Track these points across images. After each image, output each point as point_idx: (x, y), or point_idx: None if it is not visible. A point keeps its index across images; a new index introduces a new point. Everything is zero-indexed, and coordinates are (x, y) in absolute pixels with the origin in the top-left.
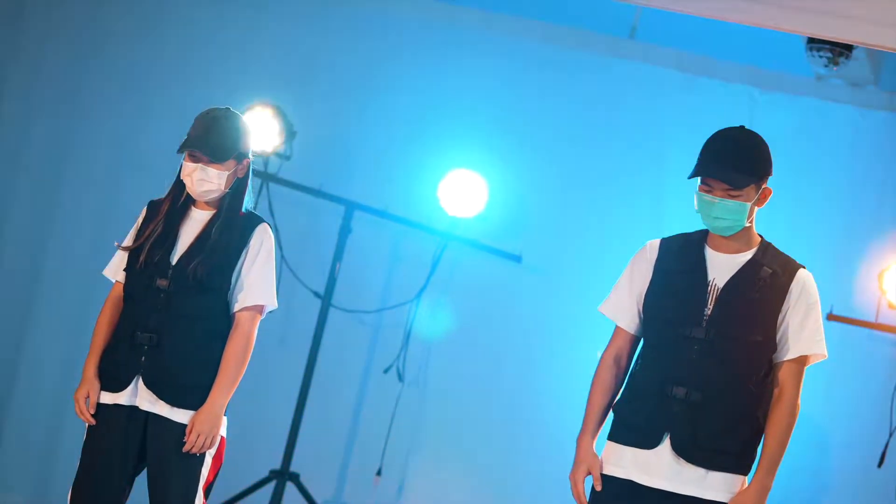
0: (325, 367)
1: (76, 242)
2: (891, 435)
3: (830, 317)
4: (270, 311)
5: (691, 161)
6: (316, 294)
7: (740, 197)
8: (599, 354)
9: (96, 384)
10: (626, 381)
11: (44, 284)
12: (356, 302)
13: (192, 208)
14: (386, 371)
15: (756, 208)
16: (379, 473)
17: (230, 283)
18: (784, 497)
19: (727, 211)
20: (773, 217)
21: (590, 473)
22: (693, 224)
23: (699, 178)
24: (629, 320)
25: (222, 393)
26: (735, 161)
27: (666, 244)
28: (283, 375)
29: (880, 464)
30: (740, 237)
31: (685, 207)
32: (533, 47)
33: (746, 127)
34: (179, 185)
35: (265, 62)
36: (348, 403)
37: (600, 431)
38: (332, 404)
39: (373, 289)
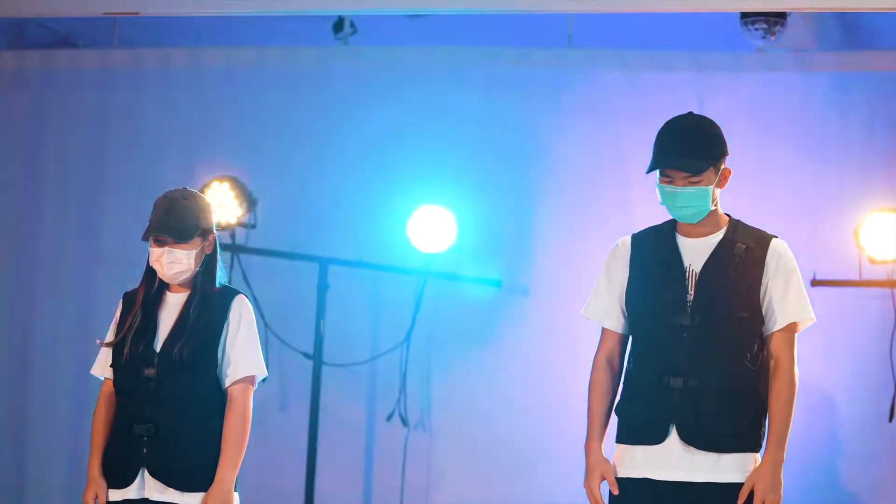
0: (329, 425)
1: (59, 343)
2: None
3: (815, 282)
4: (262, 380)
5: (649, 157)
6: (306, 355)
7: (701, 182)
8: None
9: (103, 483)
10: (622, 380)
11: (35, 389)
12: (347, 355)
13: (167, 293)
14: (389, 418)
15: (718, 190)
16: None
17: (217, 360)
18: (800, 467)
19: (691, 198)
20: (739, 196)
21: (604, 479)
22: (664, 219)
23: (658, 171)
24: (615, 320)
25: (229, 469)
26: (689, 147)
27: (637, 239)
28: (288, 441)
29: (891, 418)
30: (708, 221)
31: (653, 204)
32: (475, 73)
33: (695, 112)
34: (150, 272)
35: (214, 135)
36: (358, 457)
37: (606, 434)
38: (342, 461)
39: (361, 339)
